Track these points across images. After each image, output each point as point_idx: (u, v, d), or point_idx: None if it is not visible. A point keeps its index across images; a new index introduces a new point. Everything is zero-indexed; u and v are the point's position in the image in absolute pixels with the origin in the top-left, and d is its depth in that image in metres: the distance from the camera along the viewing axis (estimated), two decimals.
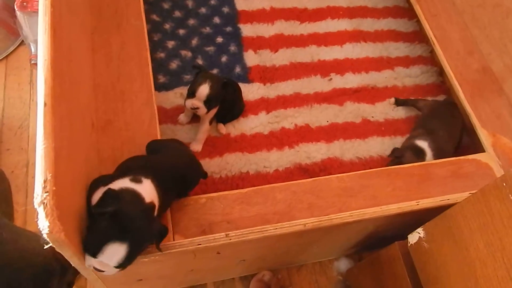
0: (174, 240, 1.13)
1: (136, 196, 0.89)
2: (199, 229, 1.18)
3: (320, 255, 1.41)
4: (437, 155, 1.43)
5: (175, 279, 1.24)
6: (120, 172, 0.98)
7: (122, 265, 0.84)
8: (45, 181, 0.68)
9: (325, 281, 1.43)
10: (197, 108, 1.36)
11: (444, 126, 1.54)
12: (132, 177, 0.93)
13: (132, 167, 1.00)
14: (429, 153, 1.43)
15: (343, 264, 1.44)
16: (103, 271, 0.84)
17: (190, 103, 1.37)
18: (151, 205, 0.91)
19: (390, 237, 1.10)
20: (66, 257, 0.79)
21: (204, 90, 1.34)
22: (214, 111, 1.43)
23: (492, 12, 1.66)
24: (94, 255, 0.81)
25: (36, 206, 0.66)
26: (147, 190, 0.92)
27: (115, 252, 0.81)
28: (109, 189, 0.87)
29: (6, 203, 1.36)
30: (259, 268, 1.38)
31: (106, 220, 0.82)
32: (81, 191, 0.93)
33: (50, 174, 0.69)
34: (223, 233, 0.97)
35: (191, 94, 1.36)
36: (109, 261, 0.82)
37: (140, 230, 0.86)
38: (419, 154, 1.43)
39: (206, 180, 1.38)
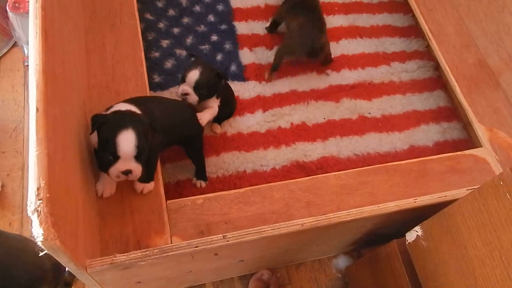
0: (171, 242, 1.13)
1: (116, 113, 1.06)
2: (197, 230, 1.18)
3: (318, 253, 1.41)
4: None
5: (174, 281, 1.24)
6: None
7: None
8: (38, 189, 0.67)
9: (324, 279, 1.43)
10: (187, 94, 1.32)
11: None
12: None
13: None
14: None
15: (342, 262, 1.44)
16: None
17: (180, 88, 1.34)
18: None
19: (389, 234, 1.10)
20: (63, 264, 0.78)
21: (193, 75, 1.31)
22: (212, 114, 1.40)
23: (487, 6, 1.66)
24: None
25: (29, 214, 0.65)
26: (121, 104, 1.10)
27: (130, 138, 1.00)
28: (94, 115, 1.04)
29: None
30: (258, 267, 1.38)
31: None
32: (77, 195, 0.93)
33: (44, 181, 0.68)
34: (220, 235, 0.96)
35: (182, 79, 1.34)
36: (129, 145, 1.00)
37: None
38: None
39: None
